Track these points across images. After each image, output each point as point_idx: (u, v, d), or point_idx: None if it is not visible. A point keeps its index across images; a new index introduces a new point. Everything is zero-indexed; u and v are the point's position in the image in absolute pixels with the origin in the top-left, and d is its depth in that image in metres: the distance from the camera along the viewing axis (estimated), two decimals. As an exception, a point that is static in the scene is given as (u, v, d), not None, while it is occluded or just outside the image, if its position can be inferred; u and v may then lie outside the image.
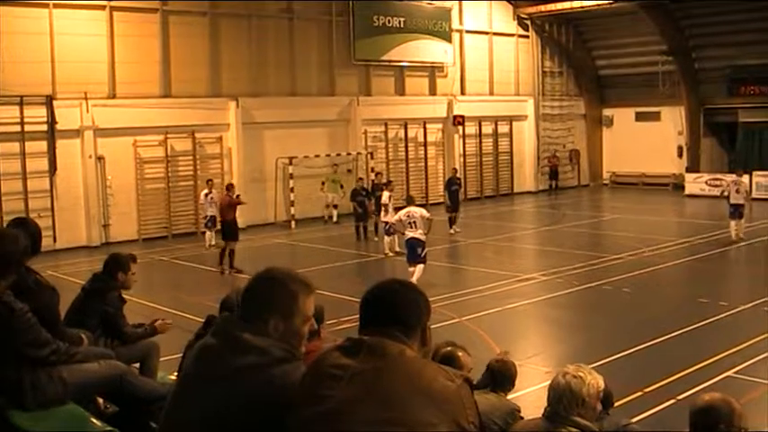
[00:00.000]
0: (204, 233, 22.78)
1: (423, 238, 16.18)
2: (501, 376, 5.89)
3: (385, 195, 21.33)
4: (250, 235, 24.57)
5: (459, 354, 5.55)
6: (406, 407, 2.33)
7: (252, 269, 18.59)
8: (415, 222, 16.11)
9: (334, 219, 26.57)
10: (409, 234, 16.21)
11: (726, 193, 21.75)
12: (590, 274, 17.41)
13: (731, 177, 23.10)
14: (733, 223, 21.14)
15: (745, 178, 24.05)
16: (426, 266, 16.26)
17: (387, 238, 20.51)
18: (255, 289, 2.92)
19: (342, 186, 26.69)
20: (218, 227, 20.82)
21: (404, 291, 2.69)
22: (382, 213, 21.18)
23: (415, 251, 16.12)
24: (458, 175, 26.83)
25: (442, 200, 25.66)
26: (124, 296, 6.92)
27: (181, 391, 2.97)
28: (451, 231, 23.40)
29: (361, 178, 25.42)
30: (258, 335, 2.80)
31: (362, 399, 2.37)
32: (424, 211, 16.53)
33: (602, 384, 4.23)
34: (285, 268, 2.99)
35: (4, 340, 4.52)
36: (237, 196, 19.66)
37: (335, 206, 26.69)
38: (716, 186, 31.60)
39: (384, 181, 24.19)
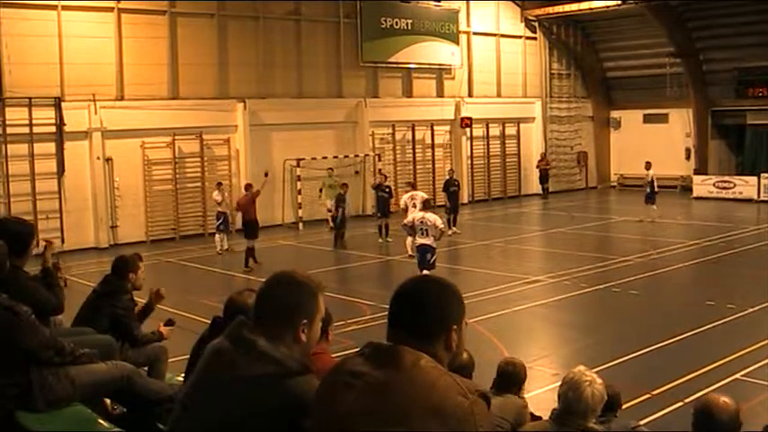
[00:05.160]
0: (214, 235, 22.43)
1: (434, 244, 16.14)
2: (507, 378, 5.89)
3: (406, 195, 21.39)
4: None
5: None
6: (414, 423, 2.26)
7: (258, 270, 18.83)
8: (427, 230, 16.03)
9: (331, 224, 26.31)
10: (420, 240, 16.18)
11: (650, 181, 25.76)
12: (598, 277, 17.38)
13: (651, 171, 26.40)
14: (654, 207, 25.38)
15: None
16: (434, 270, 16.20)
17: (410, 239, 20.14)
18: (275, 293, 2.85)
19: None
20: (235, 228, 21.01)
21: (433, 290, 2.53)
22: (409, 212, 20.83)
23: (424, 257, 16.10)
24: (455, 176, 26.70)
25: (443, 202, 25.59)
26: (135, 299, 6.96)
27: (192, 394, 2.94)
28: (450, 232, 23.28)
29: (345, 184, 24.18)
30: (274, 342, 2.77)
31: (370, 411, 2.32)
32: (438, 221, 16.30)
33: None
34: (298, 270, 2.95)
35: (9, 343, 4.55)
36: (257, 191, 20.07)
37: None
38: (724, 189, 31.69)
39: (386, 183, 24.29)
